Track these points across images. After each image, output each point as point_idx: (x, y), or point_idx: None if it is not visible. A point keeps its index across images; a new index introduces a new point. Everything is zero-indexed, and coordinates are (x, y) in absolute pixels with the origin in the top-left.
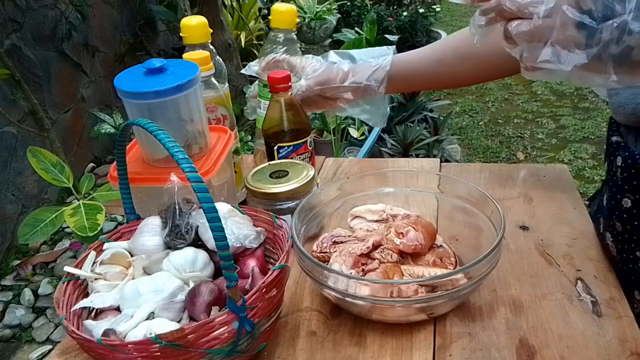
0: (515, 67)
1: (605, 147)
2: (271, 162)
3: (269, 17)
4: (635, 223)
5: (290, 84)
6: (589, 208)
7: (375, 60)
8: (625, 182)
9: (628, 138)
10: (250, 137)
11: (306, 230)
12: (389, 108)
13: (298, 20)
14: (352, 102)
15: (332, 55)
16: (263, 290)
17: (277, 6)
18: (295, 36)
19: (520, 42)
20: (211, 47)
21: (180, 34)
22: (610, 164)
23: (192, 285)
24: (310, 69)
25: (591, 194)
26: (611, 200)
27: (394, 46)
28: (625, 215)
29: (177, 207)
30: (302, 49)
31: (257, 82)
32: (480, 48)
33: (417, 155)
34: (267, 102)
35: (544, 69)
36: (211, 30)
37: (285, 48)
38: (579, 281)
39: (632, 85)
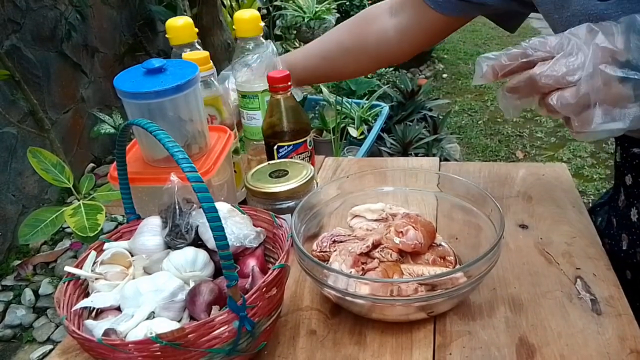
0: (399, 57)
1: (619, 160)
2: (271, 162)
3: (234, 27)
4: None
5: (289, 83)
6: (592, 215)
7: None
8: None
9: None
10: None
11: (306, 230)
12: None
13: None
14: None
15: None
16: (263, 290)
17: (239, 15)
18: (263, 39)
19: (567, 113)
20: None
21: (166, 35)
22: (639, 177)
23: (192, 284)
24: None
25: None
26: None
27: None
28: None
29: (177, 207)
30: None
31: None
32: (364, 42)
33: (416, 154)
34: (249, 112)
35: (601, 130)
36: (197, 30)
37: (257, 55)
38: (578, 279)
39: None
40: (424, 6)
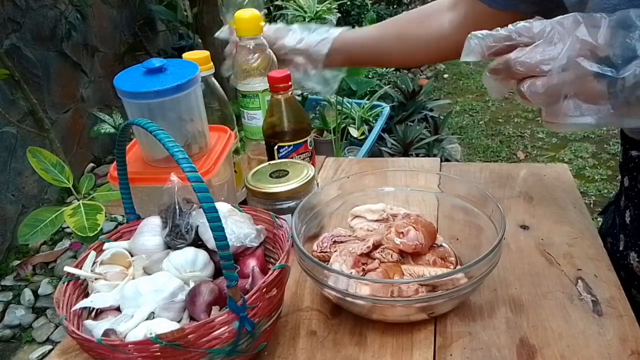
0: (453, 53)
1: (621, 160)
2: (271, 162)
3: (235, 27)
4: None
5: (290, 83)
6: (603, 214)
7: (325, 34)
8: None
9: None
10: None
11: (306, 230)
12: (337, 84)
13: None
14: (304, 69)
15: (295, 25)
16: (263, 290)
17: (240, 14)
18: (263, 40)
19: (537, 102)
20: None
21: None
22: (634, 180)
23: (192, 285)
24: (267, 29)
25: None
26: (639, 219)
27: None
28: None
29: (177, 207)
30: None
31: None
32: (421, 31)
33: (417, 155)
34: (250, 112)
35: (569, 123)
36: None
37: (257, 55)
38: (579, 280)
39: None
40: (477, 1)
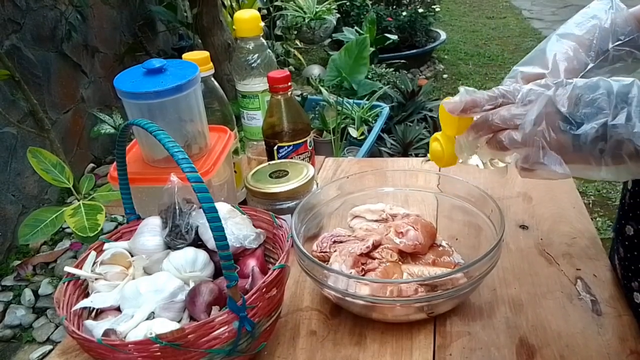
0: None
1: None
2: (271, 162)
3: (234, 27)
4: (636, 253)
5: (290, 83)
6: (598, 219)
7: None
8: (631, 209)
9: None
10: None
11: (306, 230)
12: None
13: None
14: None
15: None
16: (263, 290)
17: (239, 15)
18: (263, 40)
19: (514, 150)
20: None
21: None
22: (624, 187)
23: (192, 285)
24: None
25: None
26: (617, 224)
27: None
28: (627, 243)
29: (177, 207)
30: (302, 49)
31: None
32: None
33: (416, 155)
34: (250, 112)
35: (540, 170)
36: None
37: (256, 55)
38: (578, 280)
39: (634, 177)
40: None
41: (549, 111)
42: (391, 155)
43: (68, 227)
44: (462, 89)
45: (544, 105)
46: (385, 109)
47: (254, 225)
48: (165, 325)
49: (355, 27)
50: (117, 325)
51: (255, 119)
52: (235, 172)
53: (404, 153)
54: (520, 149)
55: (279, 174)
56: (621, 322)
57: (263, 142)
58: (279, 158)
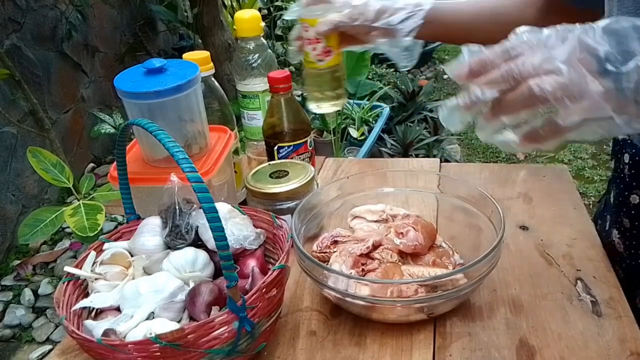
0: None
1: (611, 144)
2: (271, 162)
3: (235, 27)
4: None
5: (290, 84)
6: (595, 209)
7: (411, 7)
8: (633, 179)
9: (634, 135)
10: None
11: (306, 230)
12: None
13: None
14: (378, 42)
15: None
16: (263, 290)
17: (240, 15)
18: (263, 40)
19: (552, 99)
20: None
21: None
22: (618, 161)
23: (192, 285)
24: (342, 3)
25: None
26: (619, 197)
27: None
28: (633, 212)
29: (177, 207)
30: None
31: (298, 25)
32: (515, 10)
33: (417, 155)
34: (250, 112)
35: (578, 129)
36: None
37: (257, 55)
38: (578, 281)
39: None
40: None
41: (582, 54)
42: (391, 156)
43: (68, 227)
44: (464, 48)
45: (576, 44)
46: (386, 109)
47: (254, 225)
48: (165, 325)
49: None
50: (116, 325)
51: (256, 119)
52: (235, 172)
53: (405, 153)
54: (558, 100)
55: (279, 174)
56: (621, 323)
57: (263, 142)
58: (279, 158)
